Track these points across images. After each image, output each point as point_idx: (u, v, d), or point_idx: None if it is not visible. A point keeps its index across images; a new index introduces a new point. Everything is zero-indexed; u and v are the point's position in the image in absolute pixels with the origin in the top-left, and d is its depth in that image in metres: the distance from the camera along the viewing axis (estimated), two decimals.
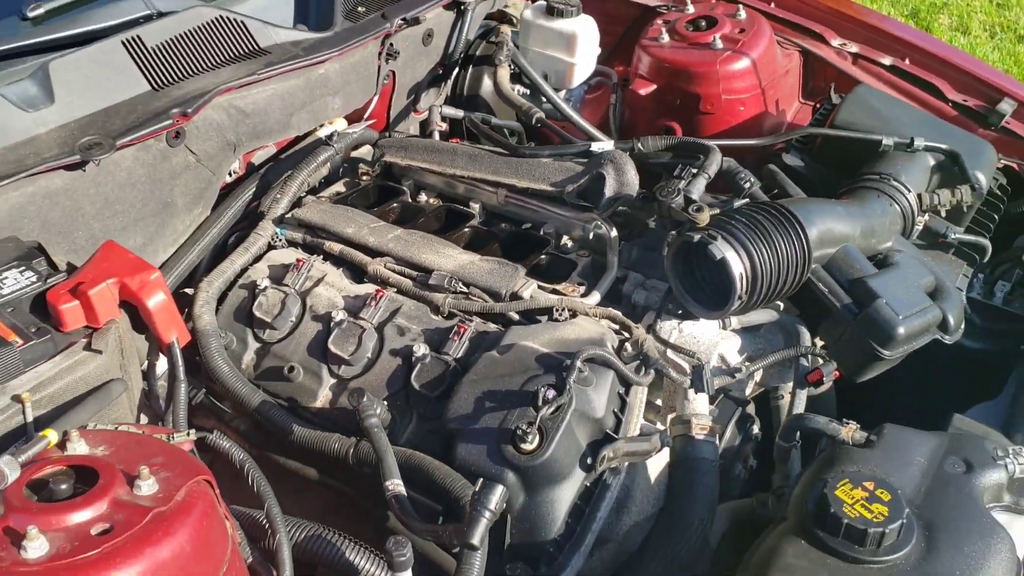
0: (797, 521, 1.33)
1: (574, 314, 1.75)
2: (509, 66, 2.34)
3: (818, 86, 2.74)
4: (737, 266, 1.65)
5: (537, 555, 1.55)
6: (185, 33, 1.92)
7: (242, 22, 2.00)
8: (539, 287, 1.84)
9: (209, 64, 1.95)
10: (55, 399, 1.42)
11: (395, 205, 2.11)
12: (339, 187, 2.22)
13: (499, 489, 1.40)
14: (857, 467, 1.38)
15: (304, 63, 2.03)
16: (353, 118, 2.35)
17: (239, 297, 1.90)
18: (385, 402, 1.66)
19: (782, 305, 1.87)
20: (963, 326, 1.86)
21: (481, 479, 1.42)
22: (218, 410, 1.84)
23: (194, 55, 1.93)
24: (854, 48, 2.68)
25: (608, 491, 1.60)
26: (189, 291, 1.92)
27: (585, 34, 2.56)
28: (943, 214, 2.06)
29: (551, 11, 2.54)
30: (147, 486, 1.20)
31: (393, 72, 2.34)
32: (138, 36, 1.86)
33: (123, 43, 1.84)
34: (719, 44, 2.48)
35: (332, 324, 1.78)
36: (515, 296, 1.79)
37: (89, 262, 1.57)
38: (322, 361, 1.78)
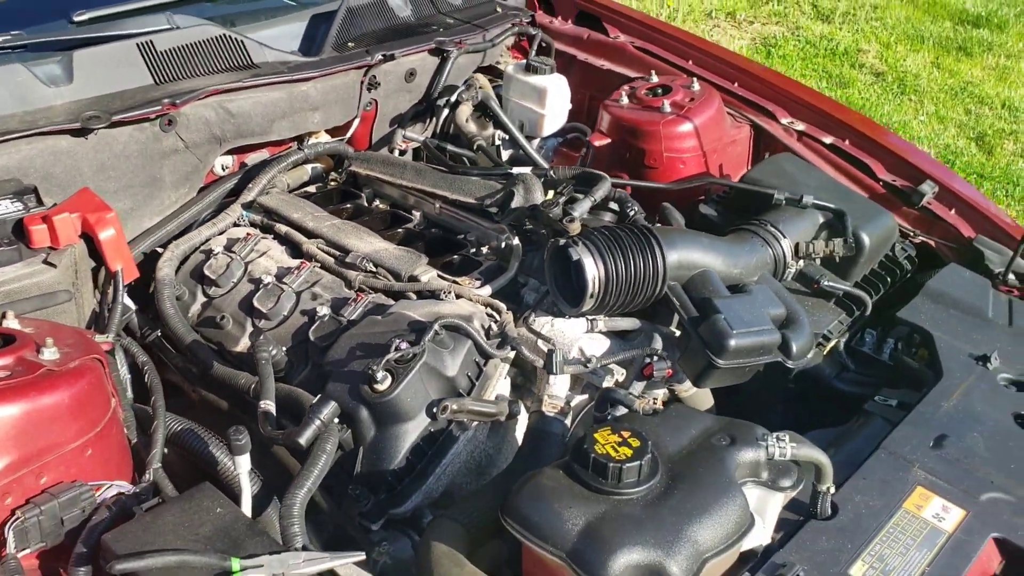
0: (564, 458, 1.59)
1: (459, 298, 2.06)
2: (472, 104, 2.71)
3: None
4: (591, 270, 1.94)
5: (379, 483, 1.83)
6: (191, 44, 2.36)
7: (241, 41, 2.43)
8: (439, 276, 2.16)
9: (206, 70, 2.37)
10: (11, 295, 1.80)
11: (348, 206, 2.49)
12: (311, 188, 2.61)
13: (331, 404, 1.70)
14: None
15: (286, 79, 2.44)
16: (338, 135, 2.75)
17: (197, 260, 2.28)
18: (283, 347, 1.99)
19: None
20: (810, 356, 2.08)
21: (319, 396, 1.72)
22: (165, 349, 2.20)
23: (194, 61, 2.36)
24: (800, 127, 2.96)
25: (454, 442, 1.87)
26: (160, 250, 2.31)
27: (555, 90, 2.93)
28: (817, 262, 2.30)
29: (528, 68, 2.93)
30: (49, 353, 1.55)
31: (376, 101, 2.74)
32: (151, 41, 2.30)
33: (137, 45, 2.29)
34: (667, 108, 2.80)
35: (261, 285, 2.14)
36: (413, 278, 2.11)
37: (65, 201, 1.97)
38: (248, 315, 2.13)
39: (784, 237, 2.25)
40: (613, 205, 2.21)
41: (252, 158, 2.65)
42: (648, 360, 2.00)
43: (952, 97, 6.73)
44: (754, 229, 2.26)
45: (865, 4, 8.23)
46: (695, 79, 2.91)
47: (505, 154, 3.09)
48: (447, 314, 1.96)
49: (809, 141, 2.93)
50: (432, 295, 2.07)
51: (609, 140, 2.88)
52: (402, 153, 2.63)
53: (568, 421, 1.94)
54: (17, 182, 2.03)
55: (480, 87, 2.84)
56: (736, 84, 3.11)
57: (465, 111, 2.69)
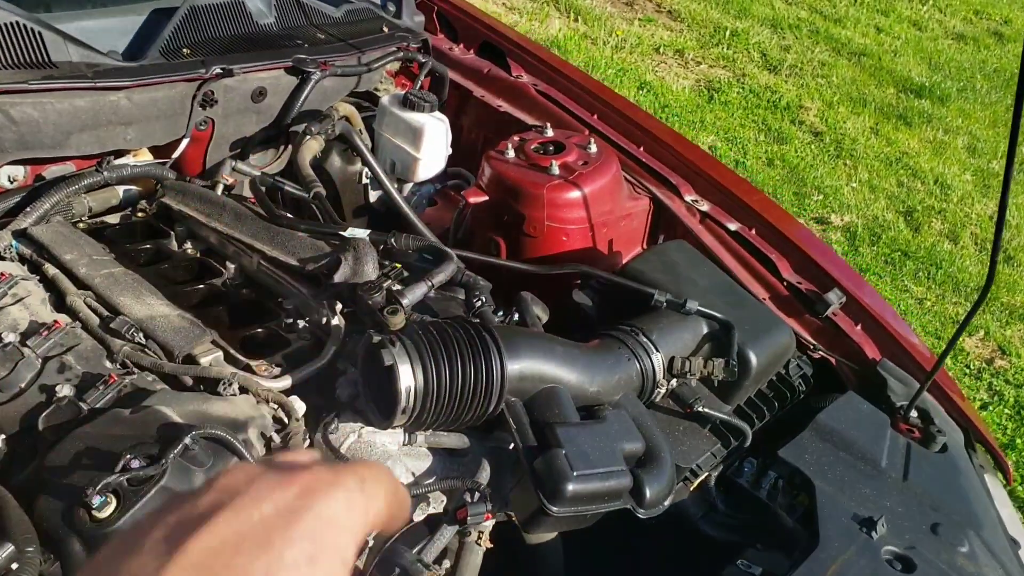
0: None
1: (245, 390, 1.64)
2: (323, 139, 2.29)
3: (667, 237, 2.67)
4: (406, 379, 1.55)
5: None
6: None
7: (38, 32, 1.98)
8: (227, 358, 1.73)
9: None
10: None
11: (148, 245, 2.04)
12: (114, 218, 2.16)
13: (6, 547, 1.27)
14: None
15: (86, 85, 1.99)
16: (163, 155, 2.31)
17: None
18: (1, 434, 1.54)
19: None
20: (666, 504, 1.72)
21: None
22: None
23: None
24: (705, 206, 2.62)
25: None
26: None
27: (432, 131, 2.54)
28: (692, 383, 1.95)
29: (405, 101, 2.53)
30: None
31: (212, 120, 2.30)
32: None
33: None
34: (556, 170, 2.43)
35: (1, 345, 1.68)
36: (190, 358, 1.68)
37: None
38: None
39: (656, 351, 1.89)
40: (458, 291, 1.82)
41: (52, 171, 2.19)
42: (465, 499, 1.61)
43: (887, 166, 6.58)
44: (622, 337, 1.89)
45: (813, 60, 8.09)
46: (592, 139, 2.55)
47: (373, 195, 2.70)
48: (216, 416, 1.54)
49: (712, 225, 2.60)
50: (209, 383, 1.65)
51: (487, 198, 2.50)
52: (228, 189, 2.19)
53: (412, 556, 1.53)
54: None
55: (342, 117, 2.42)
56: (641, 148, 2.77)
57: (313, 147, 2.26)
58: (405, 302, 1.69)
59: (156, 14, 2.30)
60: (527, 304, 1.91)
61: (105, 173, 2.07)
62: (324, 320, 1.85)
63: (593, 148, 2.54)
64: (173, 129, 2.24)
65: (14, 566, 1.35)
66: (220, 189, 2.16)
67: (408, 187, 2.64)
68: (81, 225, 2.09)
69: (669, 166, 2.71)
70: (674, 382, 1.93)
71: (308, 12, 2.59)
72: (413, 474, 1.70)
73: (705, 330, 2.02)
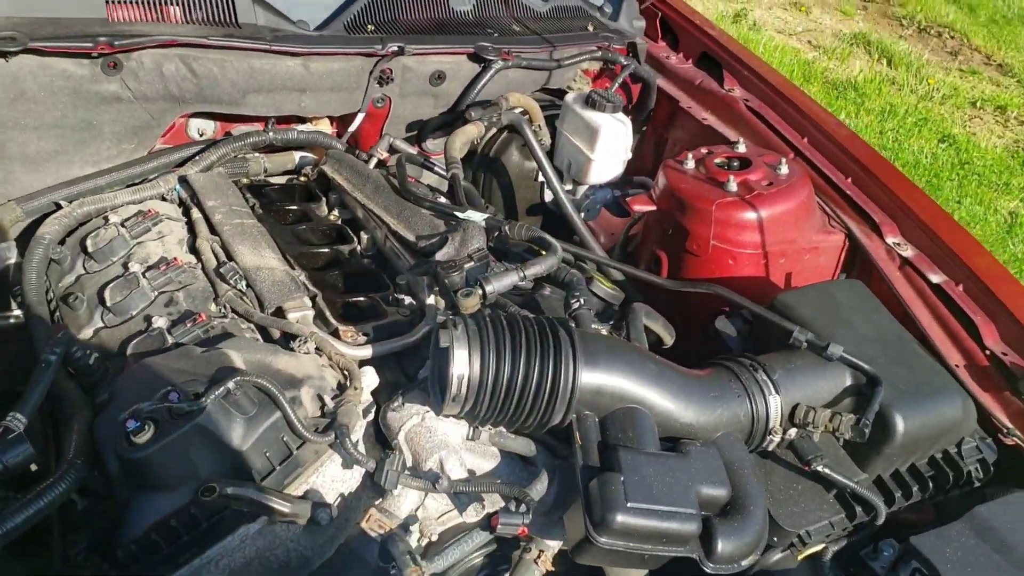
0: None
1: (318, 352, 1.63)
2: (484, 126, 2.25)
3: (861, 279, 2.36)
4: (460, 365, 1.45)
5: (113, 554, 1.43)
6: None
7: None
8: (320, 319, 1.73)
9: (178, 18, 2.06)
10: None
11: (296, 207, 2.10)
12: (281, 179, 2.25)
13: (23, 447, 1.32)
14: None
15: (262, 47, 2.08)
16: (344, 127, 2.38)
17: (94, 225, 1.97)
18: (98, 353, 1.63)
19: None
20: (745, 563, 1.49)
21: (17, 433, 1.34)
22: None
23: (164, 8, 2.05)
24: (908, 252, 2.28)
25: (225, 535, 1.44)
26: (64, 203, 2.03)
27: (609, 133, 2.42)
28: (816, 436, 1.68)
29: (587, 100, 2.43)
30: None
31: (389, 98, 2.34)
32: None
33: None
34: (733, 187, 2.22)
35: (124, 273, 1.79)
36: (278, 312, 1.70)
37: None
38: (100, 303, 1.79)
39: (775, 393, 1.64)
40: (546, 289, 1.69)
41: (239, 129, 2.33)
42: (510, 502, 1.49)
43: None
44: (736, 370, 1.67)
45: None
46: (784, 160, 2.30)
47: (548, 195, 2.62)
48: (275, 369, 1.53)
49: (912, 273, 2.24)
50: (287, 338, 1.65)
51: (654, 208, 2.33)
52: (381, 164, 2.21)
53: (404, 546, 1.46)
54: None
55: (515, 108, 2.36)
56: (849, 179, 2.46)
57: (469, 131, 2.22)
58: (489, 288, 1.60)
59: None
60: (636, 316, 1.75)
61: (271, 134, 2.16)
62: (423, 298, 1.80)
63: (784, 169, 2.29)
64: (349, 102, 2.29)
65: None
66: (373, 162, 2.19)
67: (582, 189, 2.54)
68: (245, 181, 2.19)
69: (876, 202, 2.38)
70: (793, 432, 1.67)
71: (511, 3, 2.56)
72: (470, 471, 1.60)
73: (849, 382, 1.74)
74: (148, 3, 2.05)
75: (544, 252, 1.72)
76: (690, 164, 2.34)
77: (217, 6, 2.09)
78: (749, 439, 1.65)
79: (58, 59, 1.94)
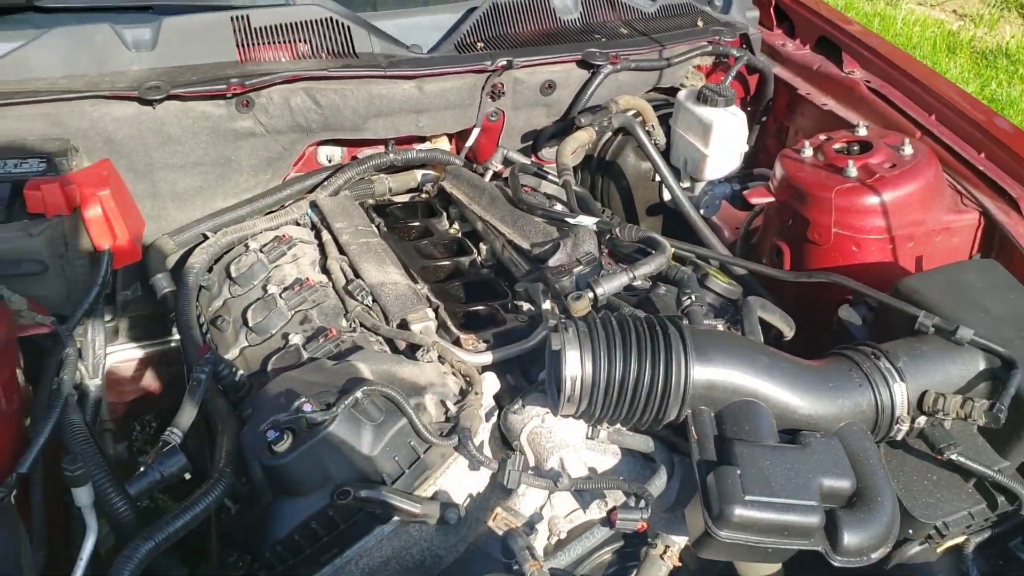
0: None
1: (441, 360, 1.71)
2: (595, 130, 2.28)
3: (1000, 261, 2.25)
4: (573, 367, 1.50)
5: (261, 556, 1.55)
6: (290, 23, 2.20)
7: (347, 26, 2.23)
8: (442, 328, 1.82)
9: (300, 53, 2.21)
10: None
11: (418, 223, 2.20)
12: (405, 197, 2.37)
13: (178, 458, 1.45)
14: None
15: (378, 74, 2.19)
16: (461, 143, 2.48)
17: (236, 252, 2.13)
18: (242, 370, 1.77)
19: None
20: (875, 556, 1.46)
21: (172, 446, 1.48)
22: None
23: (288, 42, 2.19)
24: None
25: (362, 536, 1.54)
26: (210, 234, 2.20)
27: (723, 127, 2.41)
28: (947, 424, 1.62)
29: (699, 96, 2.44)
30: None
31: (502, 111, 2.41)
32: (247, 15, 2.17)
33: (231, 17, 2.16)
34: (853, 172, 2.16)
35: (264, 295, 1.94)
36: (403, 324, 1.79)
37: (80, 170, 1.90)
38: (244, 324, 1.94)
39: (900, 380, 1.60)
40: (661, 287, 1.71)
41: (365, 153, 2.46)
42: (629, 498, 1.52)
43: None
44: (857, 359, 1.63)
45: None
46: (907, 140, 2.23)
47: (667, 194, 2.63)
48: (400, 378, 1.62)
49: None
50: (412, 348, 1.74)
51: (771, 199, 2.31)
52: (496, 176, 2.28)
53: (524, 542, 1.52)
54: (63, 142, 2.01)
55: (627, 111, 2.39)
56: (983, 155, 2.35)
57: (580, 137, 2.26)
58: (600, 291, 1.64)
59: (468, 12, 2.46)
60: (751, 310, 1.74)
61: (391, 156, 2.28)
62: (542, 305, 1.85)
63: (908, 150, 2.22)
64: (464, 118, 2.38)
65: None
66: (489, 175, 2.26)
67: (700, 186, 2.53)
68: (371, 201, 2.32)
69: (1014, 176, 2.27)
70: (923, 420, 1.62)
71: (617, 6, 2.59)
72: (591, 468, 1.64)
73: (982, 366, 1.67)
74: (273, 42, 2.20)
75: (654, 252, 1.74)
76: (807, 152, 2.29)
77: (334, 39, 2.22)
78: (875, 429, 1.61)
79: (197, 102, 2.12)
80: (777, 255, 2.33)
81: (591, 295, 1.63)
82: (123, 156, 2.11)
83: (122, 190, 1.94)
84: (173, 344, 2.30)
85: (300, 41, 2.24)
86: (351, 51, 2.24)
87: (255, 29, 2.18)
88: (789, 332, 1.86)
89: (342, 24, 2.23)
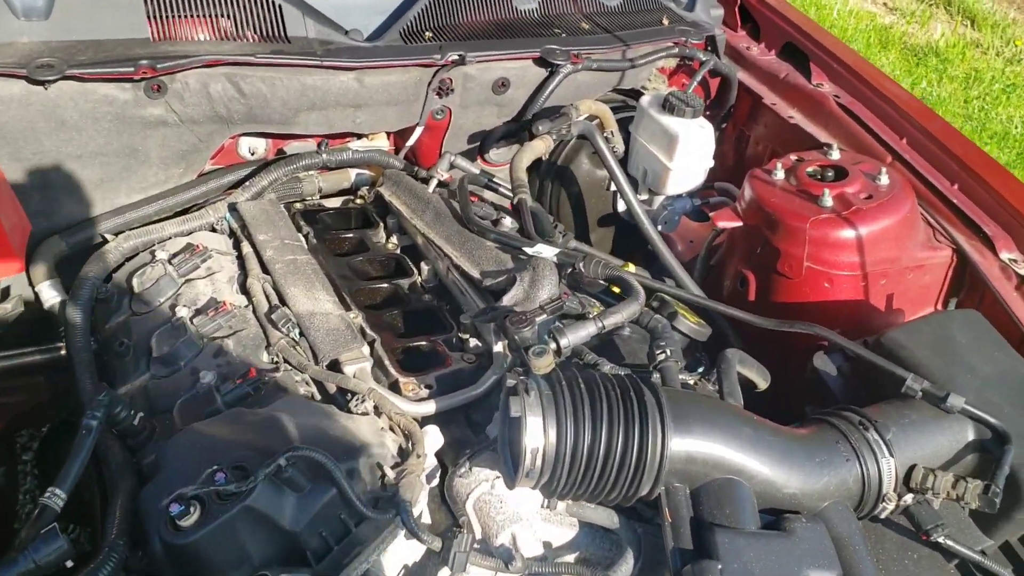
0: None
1: (377, 411, 1.49)
2: (553, 139, 2.07)
3: (967, 302, 2.13)
4: (534, 437, 1.29)
5: None
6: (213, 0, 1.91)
7: (279, 6, 1.95)
8: (379, 368, 1.59)
9: (223, 35, 1.92)
10: None
11: (352, 235, 1.96)
12: (336, 201, 2.11)
13: (57, 544, 1.20)
14: None
15: (313, 63, 1.93)
16: (401, 141, 2.23)
17: (141, 260, 1.85)
18: (140, 413, 1.51)
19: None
20: None
21: (51, 527, 1.22)
22: None
23: (210, 21, 1.91)
24: None
25: None
26: (111, 236, 1.92)
27: (690, 140, 2.22)
28: (936, 504, 1.48)
29: (664, 104, 2.24)
30: None
31: (449, 109, 2.17)
32: None
33: None
34: (828, 202, 2.01)
35: (172, 319, 1.67)
36: (334, 364, 1.56)
37: None
38: (146, 352, 1.67)
39: (890, 455, 1.45)
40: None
41: (293, 147, 2.19)
42: None
43: None
44: (844, 430, 1.47)
45: None
46: (885, 169, 2.08)
47: (621, 205, 2.44)
48: (332, 437, 1.40)
49: None
50: (344, 392, 1.51)
51: (740, 224, 2.14)
52: (442, 184, 2.05)
53: None
54: None
55: (587, 117, 2.18)
56: (956, 186, 2.22)
57: (537, 147, 2.05)
58: (564, 342, 1.43)
59: None
60: (730, 366, 1.56)
61: (324, 156, 2.03)
62: (491, 344, 1.64)
63: (884, 180, 2.07)
64: (407, 116, 2.14)
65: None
66: (434, 184, 2.03)
67: (659, 200, 2.35)
68: (299, 205, 2.06)
69: (988, 212, 2.15)
70: (909, 498, 1.47)
71: (579, 0, 2.37)
72: (546, 543, 1.45)
73: (971, 436, 1.53)
74: (192, 18, 1.91)
75: (625, 296, 1.54)
76: (779, 175, 2.13)
77: (264, 19, 1.94)
78: (859, 506, 1.46)
79: (99, 84, 1.82)
80: (742, 283, 2.17)
81: (555, 347, 1.42)
82: (7, 142, 1.81)
83: (1, 189, 1.64)
84: (62, 352, 2.01)
85: (223, 16, 1.95)
86: (282, 33, 1.97)
87: (171, 2, 1.89)
88: (764, 384, 1.69)
89: (273, 3, 1.95)
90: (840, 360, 1.83)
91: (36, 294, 1.85)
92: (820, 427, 1.50)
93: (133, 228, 1.94)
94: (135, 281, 1.78)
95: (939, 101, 5.87)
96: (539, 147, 2.05)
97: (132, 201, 2.00)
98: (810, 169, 2.13)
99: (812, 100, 2.54)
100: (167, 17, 1.91)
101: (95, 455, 1.45)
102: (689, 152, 2.23)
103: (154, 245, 1.88)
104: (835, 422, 1.49)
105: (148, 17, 1.88)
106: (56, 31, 1.82)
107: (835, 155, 2.18)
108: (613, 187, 2.40)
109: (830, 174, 2.12)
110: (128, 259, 1.88)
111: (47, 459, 2.24)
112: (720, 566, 1.26)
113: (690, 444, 1.35)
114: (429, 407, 1.53)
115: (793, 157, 2.21)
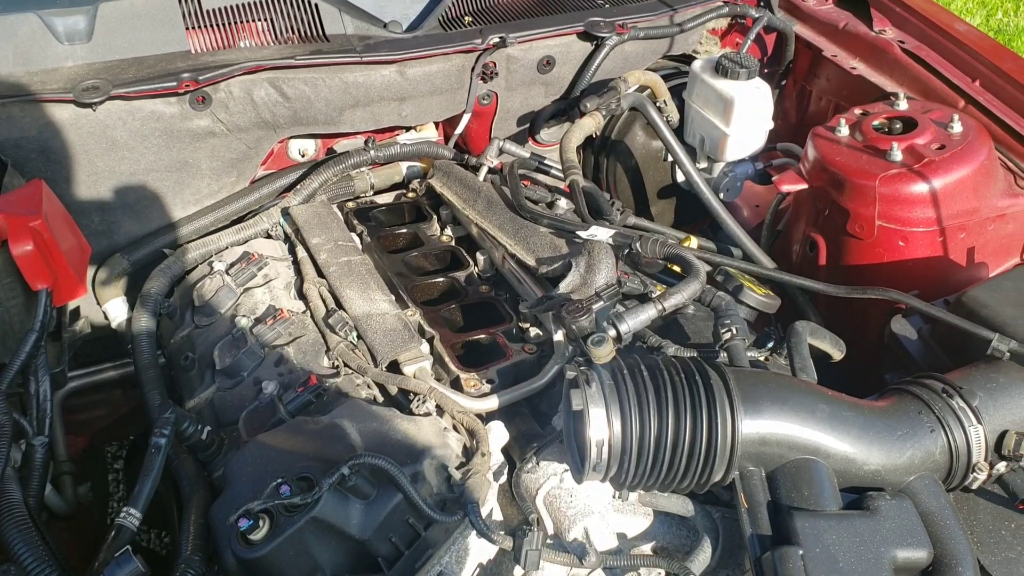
0: None
1: (440, 410, 1.47)
2: (602, 115, 2.00)
3: None
4: (598, 430, 1.25)
5: None
6: (248, 3, 1.90)
7: (315, 5, 1.94)
8: (439, 365, 1.57)
9: (261, 40, 1.92)
10: None
11: (405, 230, 1.94)
12: (389, 196, 2.10)
13: (131, 567, 1.21)
14: None
15: (353, 60, 1.91)
16: (451, 130, 2.20)
17: (201, 272, 1.87)
18: (206, 425, 1.52)
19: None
20: None
21: (124, 550, 1.24)
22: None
23: (247, 26, 1.90)
24: None
25: None
26: (169, 251, 1.93)
27: (746, 103, 2.14)
28: None
29: (717, 67, 2.15)
30: None
31: (495, 93, 2.13)
32: None
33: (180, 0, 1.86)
34: (897, 155, 1.91)
35: (233, 330, 1.68)
36: (393, 365, 1.54)
37: (11, 192, 1.63)
38: (210, 365, 1.68)
39: (978, 423, 1.37)
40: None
41: (343, 144, 2.18)
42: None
43: None
44: (927, 399, 1.39)
45: None
46: (958, 116, 1.97)
47: (680, 175, 2.36)
48: (394, 441, 1.38)
49: None
50: (404, 395, 1.50)
51: (805, 186, 2.05)
52: (493, 171, 2.01)
53: None
54: None
55: (638, 88, 2.11)
56: None
57: (586, 125, 1.99)
58: (624, 328, 1.39)
59: None
60: (800, 340, 1.49)
61: (372, 152, 2.00)
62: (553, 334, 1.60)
63: (957, 127, 1.96)
64: (453, 104, 2.10)
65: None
66: (484, 172, 1.99)
67: (719, 167, 2.27)
68: (351, 203, 2.05)
69: None
70: (1002, 466, 1.39)
71: None
72: (621, 534, 1.41)
73: None
74: (230, 24, 1.90)
75: (686, 274, 1.48)
76: (843, 131, 2.03)
77: (301, 19, 1.93)
78: (948, 478, 1.39)
79: (145, 101, 1.83)
80: (811, 248, 2.08)
81: (613, 333, 1.38)
82: (62, 167, 1.83)
83: (59, 214, 1.66)
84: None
85: (260, 20, 1.95)
86: (320, 33, 1.95)
87: (207, 12, 1.89)
88: (839, 355, 1.62)
89: (309, 3, 1.93)
90: (919, 323, 1.74)
91: (103, 313, 1.88)
92: (900, 398, 1.42)
93: (191, 240, 1.95)
94: (195, 294, 1.80)
95: (1018, 31, 5.56)
96: (588, 125, 1.99)
97: (188, 213, 2.01)
98: (876, 122, 2.03)
99: (875, 48, 2.41)
100: (205, 28, 1.91)
101: (167, 470, 1.47)
102: (746, 115, 2.14)
103: (212, 256, 1.89)
104: (916, 391, 1.42)
105: (187, 30, 1.88)
106: (99, 52, 1.83)
107: (902, 105, 2.07)
108: (671, 157, 2.33)
109: (898, 126, 2.01)
110: (188, 272, 1.90)
111: (135, 468, 2.29)
112: (801, 551, 1.20)
113: (762, 426, 1.30)
114: (491, 402, 1.51)
115: (857, 111, 2.11)
